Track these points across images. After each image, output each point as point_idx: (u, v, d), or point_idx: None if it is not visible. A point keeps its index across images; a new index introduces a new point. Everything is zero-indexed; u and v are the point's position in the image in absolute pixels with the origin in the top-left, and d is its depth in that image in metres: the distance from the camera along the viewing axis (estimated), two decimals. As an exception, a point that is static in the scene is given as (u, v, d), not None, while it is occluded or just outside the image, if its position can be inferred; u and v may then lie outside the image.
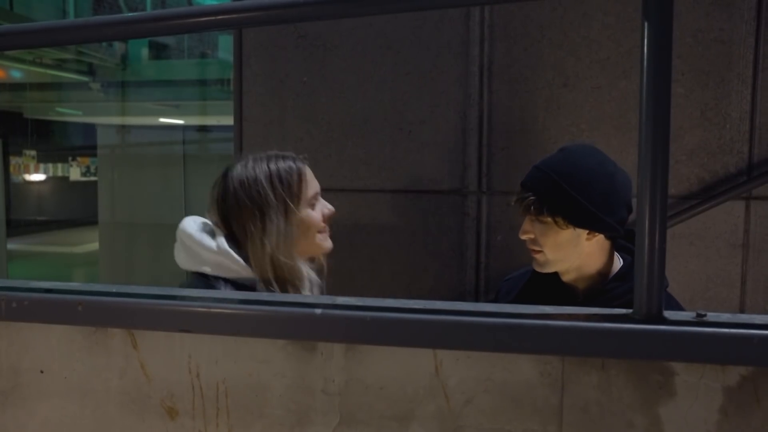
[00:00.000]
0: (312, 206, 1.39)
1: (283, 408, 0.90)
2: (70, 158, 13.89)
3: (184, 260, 1.38)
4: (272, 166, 1.36)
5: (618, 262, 1.42)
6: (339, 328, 0.86)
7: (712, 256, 1.94)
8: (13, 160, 13.39)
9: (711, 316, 0.79)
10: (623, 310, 0.82)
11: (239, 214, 1.34)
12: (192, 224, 1.39)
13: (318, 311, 0.86)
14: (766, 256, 1.93)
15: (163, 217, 6.70)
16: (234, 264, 1.32)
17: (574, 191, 1.31)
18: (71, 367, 0.97)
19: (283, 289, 1.34)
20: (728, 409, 0.77)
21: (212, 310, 0.90)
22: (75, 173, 13.99)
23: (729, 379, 0.77)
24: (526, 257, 1.45)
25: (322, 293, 1.42)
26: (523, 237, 1.39)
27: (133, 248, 6.83)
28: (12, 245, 9.87)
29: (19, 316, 0.97)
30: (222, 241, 1.33)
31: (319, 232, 1.40)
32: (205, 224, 1.41)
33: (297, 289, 1.35)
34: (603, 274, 1.40)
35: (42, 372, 0.98)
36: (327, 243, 1.42)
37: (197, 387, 0.92)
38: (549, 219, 1.33)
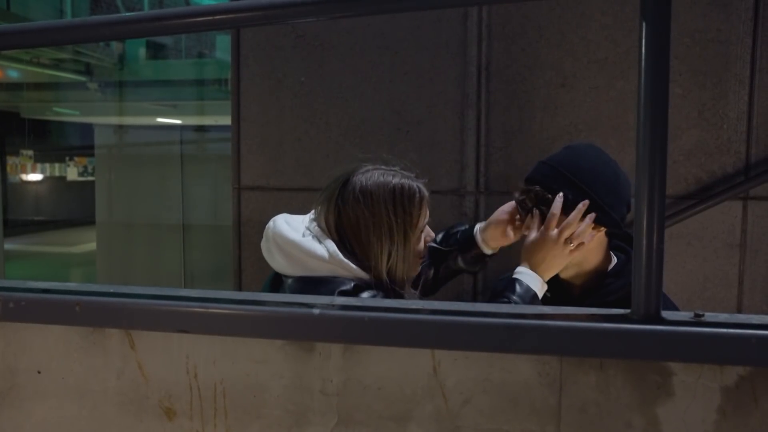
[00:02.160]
0: (420, 237, 1.38)
1: (281, 408, 0.90)
2: (67, 158, 13.87)
3: (284, 266, 1.34)
4: (397, 186, 1.35)
5: (613, 260, 1.44)
6: (337, 329, 0.86)
7: (710, 256, 1.95)
8: (10, 160, 13.37)
9: (709, 317, 0.79)
10: (621, 311, 0.82)
11: (357, 225, 1.32)
12: (288, 228, 1.35)
13: (316, 311, 0.86)
14: (763, 256, 1.93)
15: (161, 217, 6.69)
16: (350, 272, 1.29)
17: (584, 185, 1.33)
18: (69, 368, 0.97)
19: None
20: (726, 409, 0.77)
21: (210, 310, 0.90)
22: (72, 173, 13.97)
23: (727, 379, 0.77)
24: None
25: None
26: (527, 232, 1.38)
27: (131, 248, 6.82)
28: (9, 245, 9.86)
29: (17, 316, 0.96)
30: (334, 249, 1.29)
31: (418, 256, 1.39)
32: (300, 224, 1.37)
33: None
34: (600, 271, 1.41)
35: (39, 372, 0.98)
36: (418, 267, 1.42)
37: (195, 387, 0.92)
38: (557, 212, 1.33)
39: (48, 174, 14.44)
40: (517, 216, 1.48)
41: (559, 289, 1.44)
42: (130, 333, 0.94)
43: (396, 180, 1.36)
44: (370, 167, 1.39)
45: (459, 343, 0.83)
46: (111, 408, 0.96)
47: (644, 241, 0.78)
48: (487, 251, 1.56)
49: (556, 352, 0.81)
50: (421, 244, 1.39)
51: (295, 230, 1.34)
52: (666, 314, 0.79)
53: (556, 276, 1.43)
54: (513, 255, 1.93)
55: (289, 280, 1.33)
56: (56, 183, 14.44)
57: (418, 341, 0.84)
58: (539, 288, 1.32)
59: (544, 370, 0.82)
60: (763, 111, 1.89)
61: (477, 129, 2.02)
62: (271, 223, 1.37)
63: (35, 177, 14.20)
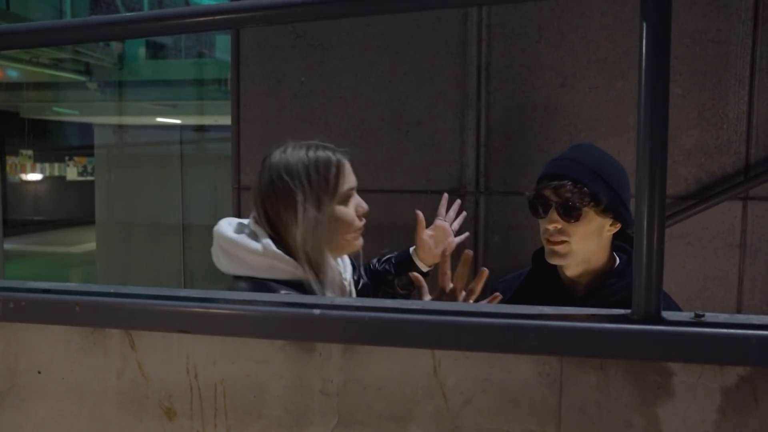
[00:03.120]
0: (345, 202, 1.35)
1: (282, 408, 0.90)
2: (66, 158, 13.86)
3: (226, 265, 1.34)
4: (310, 155, 1.33)
5: (616, 260, 1.44)
6: (337, 329, 0.86)
7: (710, 256, 1.95)
8: (10, 160, 13.36)
9: (709, 317, 0.79)
10: (622, 311, 0.82)
11: (274, 202, 1.31)
12: (228, 228, 1.35)
13: (316, 312, 0.86)
14: (763, 256, 1.93)
15: (161, 216, 6.69)
16: (284, 264, 1.28)
17: (609, 179, 1.34)
18: (69, 368, 0.97)
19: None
20: (726, 410, 0.77)
21: (210, 310, 0.90)
22: (72, 173, 13.97)
23: (727, 380, 0.77)
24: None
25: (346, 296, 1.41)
26: (552, 226, 1.36)
27: (131, 248, 6.82)
28: (9, 245, 9.86)
29: (17, 316, 0.96)
30: (268, 242, 1.29)
31: (354, 230, 1.37)
32: (242, 225, 1.37)
33: (321, 285, 1.32)
34: (604, 271, 1.41)
35: (39, 373, 0.98)
36: (358, 242, 1.39)
37: (195, 387, 0.92)
38: (587, 206, 1.33)
39: (47, 174, 14.44)
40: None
41: (562, 289, 1.44)
42: (130, 333, 0.94)
43: (308, 149, 1.35)
44: (289, 144, 1.38)
45: (459, 343, 0.83)
46: (111, 408, 0.96)
47: (644, 241, 0.78)
48: (425, 269, 1.60)
49: (556, 352, 0.81)
50: (351, 212, 1.36)
51: (237, 231, 1.35)
52: (666, 314, 0.79)
53: (557, 279, 1.43)
54: (514, 255, 1.94)
55: (240, 283, 1.33)
56: (56, 183, 14.43)
57: (419, 341, 0.84)
58: None
59: (544, 370, 0.82)
60: (763, 111, 1.90)
61: (477, 129, 2.02)
62: (216, 226, 1.38)
63: (35, 177, 14.19)
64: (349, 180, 1.36)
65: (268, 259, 1.28)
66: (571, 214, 1.34)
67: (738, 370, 0.77)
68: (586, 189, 1.32)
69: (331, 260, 1.34)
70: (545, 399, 0.82)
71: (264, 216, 1.34)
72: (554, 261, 1.40)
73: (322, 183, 1.31)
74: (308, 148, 1.35)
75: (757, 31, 1.88)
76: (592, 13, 1.95)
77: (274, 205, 1.31)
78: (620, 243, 1.44)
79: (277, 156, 1.34)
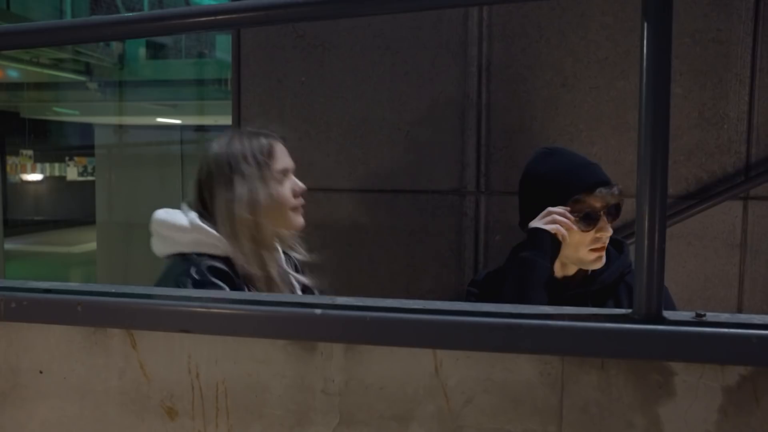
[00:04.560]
0: (280, 182, 1.42)
1: (283, 408, 0.90)
2: (67, 158, 13.86)
3: (159, 247, 1.41)
4: (245, 140, 1.42)
5: None
6: (339, 328, 0.86)
7: (710, 256, 1.95)
8: (10, 160, 13.37)
9: (710, 316, 0.79)
10: (623, 310, 0.82)
11: (211, 184, 1.39)
12: (162, 212, 1.43)
13: (318, 311, 0.86)
14: (763, 256, 1.93)
15: (161, 217, 6.67)
16: (209, 237, 1.35)
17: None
18: (70, 368, 0.97)
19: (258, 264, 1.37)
20: (727, 409, 0.78)
21: (212, 310, 0.90)
22: (72, 173, 13.97)
23: (728, 379, 0.77)
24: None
25: (293, 284, 1.47)
26: (607, 235, 1.37)
27: (131, 248, 6.82)
28: (9, 245, 9.86)
29: (19, 316, 0.96)
30: (193, 216, 1.37)
31: (291, 209, 1.43)
32: (175, 211, 1.44)
33: (265, 267, 1.37)
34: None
35: (41, 372, 0.98)
36: (298, 220, 1.45)
37: (197, 387, 0.92)
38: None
39: (48, 174, 14.44)
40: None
41: (554, 289, 1.43)
42: (132, 333, 0.94)
43: (242, 136, 1.43)
44: (226, 133, 1.46)
45: (461, 342, 0.83)
46: (113, 408, 0.96)
47: (646, 241, 0.78)
48: None
49: (557, 351, 0.81)
50: (287, 191, 1.42)
51: (166, 212, 1.42)
52: (667, 314, 0.79)
53: (555, 278, 1.43)
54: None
55: (166, 260, 1.40)
56: (56, 183, 14.43)
57: (420, 341, 0.84)
58: None
59: (545, 370, 0.82)
60: (764, 111, 1.90)
61: (477, 129, 2.02)
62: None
63: (35, 177, 14.20)
64: (282, 161, 1.44)
65: (194, 234, 1.35)
66: (617, 215, 1.38)
67: (739, 370, 0.77)
68: (617, 187, 1.38)
69: (275, 247, 1.43)
70: (547, 399, 0.82)
71: (198, 198, 1.42)
72: (597, 266, 1.40)
73: (254, 163, 1.39)
74: (241, 134, 1.44)
75: (758, 31, 1.88)
76: (592, 13, 1.95)
77: (210, 189, 1.39)
78: None
79: (214, 145, 1.43)
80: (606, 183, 1.37)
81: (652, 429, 0.80)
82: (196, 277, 1.31)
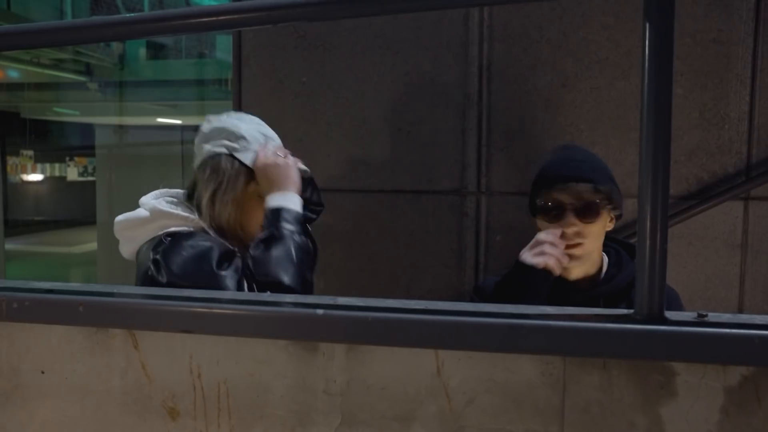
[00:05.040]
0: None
1: (285, 408, 0.90)
2: (67, 158, 13.87)
3: (128, 248, 1.42)
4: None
5: (603, 256, 1.46)
6: (340, 329, 0.86)
7: (711, 256, 1.95)
8: (11, 160, 13.37)
9: (712, 317, 0.79)
10: (624, 311, 0.82)
11: (202, 175, 1.39)
12: (121, 216, 1.44)
13: (319, 311, 0.86)
14: (764, 256, 1.93)
15: (162, 217, 6.67)
16: (174, 218, 1.34)
17: (613, 177, 1.40)
18: (72, 368, 0.97)
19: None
20: (729, 409, 0.78)
21: (213, 310, 0.90)
22: (72, 173, 13.97)
23: (730, 379, 0.77)
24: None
25: None
26: (572, 230, 1.35)
27: (131, 248, 6.80)
28: (10, 245, 9.86)
29: (20, 316, 0.96)
30: (153, 205, 1.36)
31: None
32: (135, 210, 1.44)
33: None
34: (599, 266, 1.44)
35: (43, 372, 0.98)
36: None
37: (198, 387, 0.92)
38: (603, 206, 1.36)
39: (48, 174, 14.44)
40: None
41: (563, 291, 1.43)
42: (133, 333, 0.94)
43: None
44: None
45: (462, 343, 0.83)
46: (114, 408, 0.96)
47: (647, 242, 0.78)
48: None
49: (559, 352, 0.81)
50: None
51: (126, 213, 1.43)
52: (669, 314, 0.79)
53: (564, 279, 1.43)
54: (515, 255, 1.93)
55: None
56: (56, 183, 14.44)
57: (422, 341, 0.84)
58: (298, 203, 1.37)
59: (547, 370, 0.82)
60: (765, 111, 1.90)
61: (478, 129, 2.02)
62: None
63: (35, 177, 14.20)
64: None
65: (159, 221, 1.35)
66: (590, 215, 1.35)
67: (741, 370, 0.77)
68: (602, 189, 1.35)
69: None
70: (548, 399, 0.82)
71: (190, 192, 1.42)
72: (572, 264, 1.38)
73: (240, 168, 1.38)
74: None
75: (759, 31, 1.88)
76: (593, 14, 1.95)
77: (201, 184, 1.39)
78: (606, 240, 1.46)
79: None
80: (574, 179, 1.35)
81: (654, 429, 0.80)
82: (166, 241, 1.30)
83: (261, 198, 1.38)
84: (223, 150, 1.38)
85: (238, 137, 1.39)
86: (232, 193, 1.36)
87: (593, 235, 1.37)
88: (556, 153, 1.46)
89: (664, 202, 0.78)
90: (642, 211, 0.79)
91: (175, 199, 1.40)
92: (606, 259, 1.46)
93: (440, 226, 2.06)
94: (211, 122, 1.44)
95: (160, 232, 1.33)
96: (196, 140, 1.44)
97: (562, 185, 1.36)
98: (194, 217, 1.35)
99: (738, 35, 1.89)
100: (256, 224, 1.38)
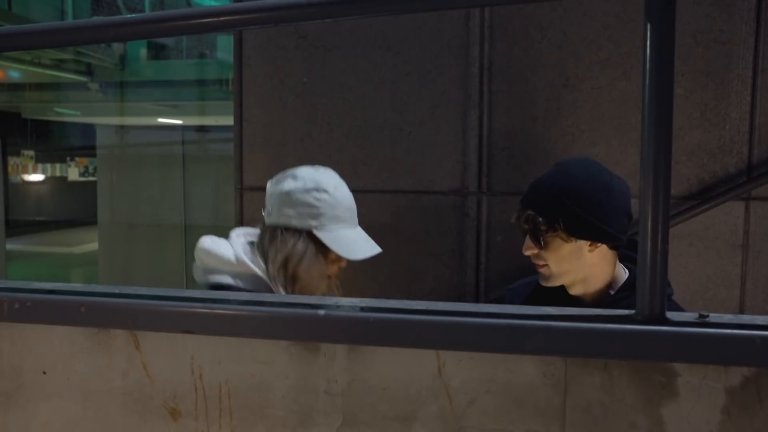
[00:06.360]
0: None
1: (286, 409, 0.90)
2: (68, 158, 13.87)
3: (202, 277, 1.45)
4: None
5: (623, 273, 1.42)
6: (342, 329, 0.86)
7: (712, 256, 1.95)
8: (12, 161, 13.37)
9: (713, 317, 0.79)
10: (625, 311, 0.82)
11: (275, 234, 1.44)
12: (207, 240, 1.47)
13: (321, 312, 0.86)
14: (765, 257, 1.93)
15: (163, 217, 6.69)
16: (248, 269, 1.40)
17: (572, 203, 1.32)
18: (73, 368, 0.97)
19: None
20: (731, 410, 0.78)
21: (215, 311, 0.90)
22: (73, 173, 13.97)
23: (731, 380, 0.77)
24: (526, 258, 1.46)
25: None
26: (527, 253, 1.39)
27: (133, 249, 6.82)
28: (11, 245, 9.86)
29: (22, 317, 0.97)
30: (239, 251, 1.42)
31: (324, 275, 1.46)
32: (221, 241, 1.47)
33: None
34: (609, 286, 1.40)
35: (44, 373, 0.98)
36: (323, 289, 1.49)
37: (200, 388, 0.92)
38: (551, 233, 1.34)
39: (49, 174, 14.45)
40: None
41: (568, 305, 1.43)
42: (135, 333, 0.94)
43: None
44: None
45: (464, 343, 0.83)
46: (116, 408, 0.96)
47: (649, 242, 0.79)
48: None
49: (560, 352, 0.81)
50: (334, 269, 1.48)
51: (214, 245, 1.46)
52: (670, 315, 0.79)
53: (566, 293, 1.42)
54: (516, 256, 1.93)
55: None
56: (57, 183, 14.44)
57: (423, 342, 0.84)
58: None
59: (548, 371, 0.82)
60: (766, 111, 1.89)
61: (479, 129, 2.02)
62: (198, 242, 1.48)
63: (36, 177, 14.20)
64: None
65: (237, 269, 1.40)
66: (537, 241, 1.36)
67: (742, 371, 0.77)
68: (545, 217, 1.33)
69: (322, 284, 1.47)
70: (549, 399, 0.82)
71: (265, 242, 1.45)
72: (543, 282, 1.41)
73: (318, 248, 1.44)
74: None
75: (760, 31, 1.88)
76: (594, 14, 1.95)
77: (274, 235, 1.44)
78: (631, 253, 1.42)
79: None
80: (524, 204, 1.39)
81: (655, 430, 0.80)
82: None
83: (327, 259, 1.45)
84: (305, 227, 1.42)
85: (319, 215, 1.44)
86: (306, 265, 1.42)
87: (553, 260, 1.36)
88: (547, 169, 1.45)
89: (666, 202, 0.78)
90: (643, 212, 0.79)
91: (254, 240, 1.46)
92: (625, 276, 1.42)
93: (441, 226, 2.06)
94: (297, 179, 1.48)
95: (212, 280, 1.40)
96: (274, 191, 1.48)
97: (520, 209, 1.40)
98: (259, 271, 1.41)
99: (739, 35, 1.89)
100: (318, 280, 1.45)
